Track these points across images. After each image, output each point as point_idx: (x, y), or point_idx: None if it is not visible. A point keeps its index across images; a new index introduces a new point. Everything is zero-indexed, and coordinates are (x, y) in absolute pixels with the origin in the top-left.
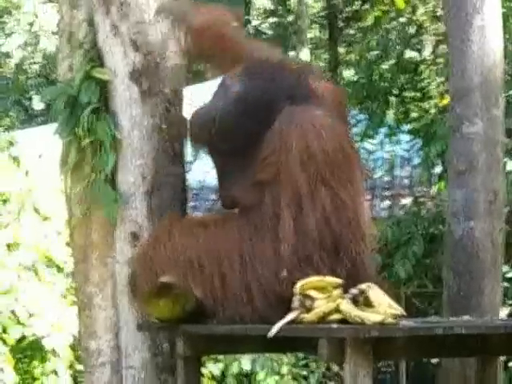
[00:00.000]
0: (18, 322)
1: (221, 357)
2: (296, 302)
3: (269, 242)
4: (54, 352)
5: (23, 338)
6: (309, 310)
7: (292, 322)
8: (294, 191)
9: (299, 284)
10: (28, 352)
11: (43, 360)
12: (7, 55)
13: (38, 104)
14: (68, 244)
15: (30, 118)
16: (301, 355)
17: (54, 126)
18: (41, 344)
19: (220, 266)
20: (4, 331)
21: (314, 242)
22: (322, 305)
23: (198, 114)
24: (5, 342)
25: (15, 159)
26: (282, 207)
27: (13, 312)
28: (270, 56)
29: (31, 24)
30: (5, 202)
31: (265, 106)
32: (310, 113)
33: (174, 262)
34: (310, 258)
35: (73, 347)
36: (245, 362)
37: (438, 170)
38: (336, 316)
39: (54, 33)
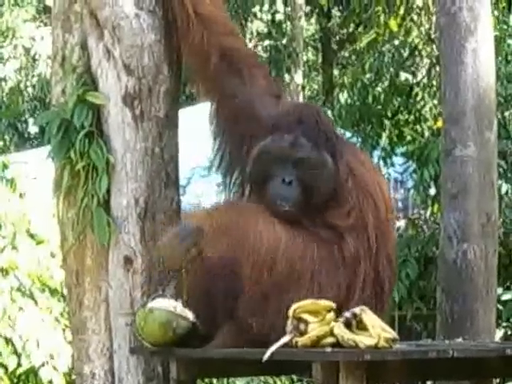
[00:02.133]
0: (15, 352)
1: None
2: (290, 326)
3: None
4: (50, 383)
5: (19, 366)
6: (302, 333)
7: (286, 345)
8: (370, 236)
9: (293, 307)
10: (24, 381)
11: None
12: (3, 79)
13: (33, 127)
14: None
15: (24, 141)
16: (295, 378)
17: (47, 148)
18: (36, 374)
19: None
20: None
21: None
22: (315, 328)
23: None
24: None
25: (10, 182)
26: (361, 253)
27: (7, 340)
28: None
29: (26, 48)
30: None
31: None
32: (361, 154)
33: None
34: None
35: (67, 373)
36: None
37: (432, 192)
38: (330, 339)
39: (49, 57)
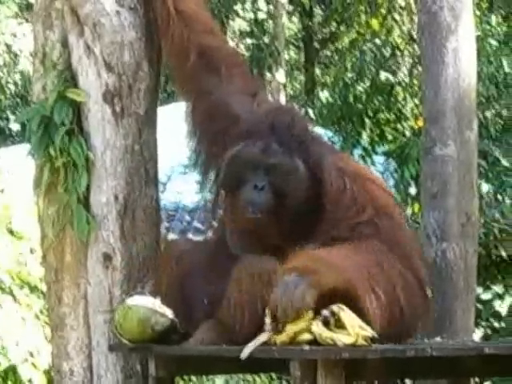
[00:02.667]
0: None
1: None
2: (268, 324)
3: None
4: (30, 382)
5: None
6: (280, 331)
7: (265, 343)
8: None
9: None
10: (3, 379)
11: None
12: None
13: (14, 124)
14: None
15: (6, 138)
16: (274, 375)
17: (29, 146)
18: (16, 372)
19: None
20: None
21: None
22: (293, 326)
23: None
24: None
25: None
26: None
27: None
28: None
29: (7, 45)
30: None
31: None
32: (349, 158)
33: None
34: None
35: (47, 371)
36: (218, 382)
37: (412, 191)
38: (307, 336)
39: (31, 54)
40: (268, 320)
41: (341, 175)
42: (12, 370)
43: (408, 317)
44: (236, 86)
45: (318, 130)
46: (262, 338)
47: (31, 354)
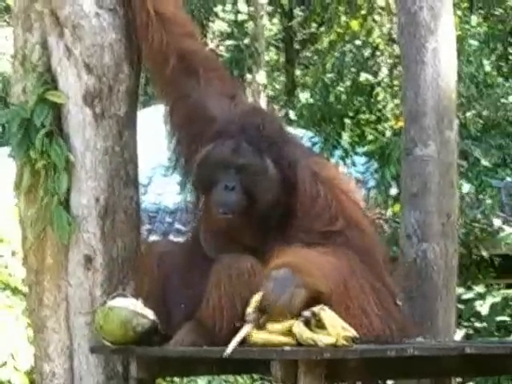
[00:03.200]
0: None
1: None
2: (250, 316)
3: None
4: (9, 383)
5: None
6: (260, 327)
7: (244, 342)
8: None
9: (254, 298)
10: None
11: None
12: None
13: None
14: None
15: None
16: (256, 376)
17: (8, 148)
18: None
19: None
20: None
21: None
22: (275, 325)
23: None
24: None
25: None
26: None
27: None
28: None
29: None
30: None
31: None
32: (324, 162)
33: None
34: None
35: (29, 372)
36: (201, 383)
37: (393, 192)
38: (286, 339)
39: (12, 56)
40: (250, 310)
41: (315, 181)
42: None
43: (378, 326)
44: (214, 89)
45: (299, 131)
46: (245, 330)
47: (12, 356)
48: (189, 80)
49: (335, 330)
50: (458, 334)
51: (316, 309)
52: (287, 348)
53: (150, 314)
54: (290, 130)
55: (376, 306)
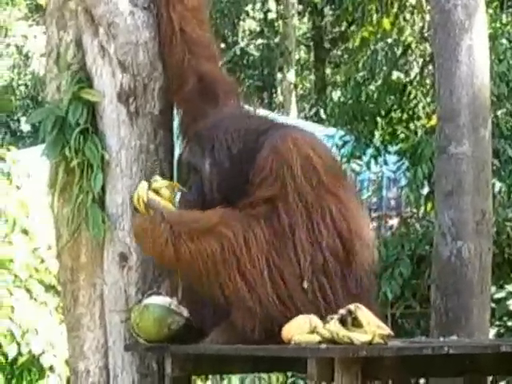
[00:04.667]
0: (14, 341)
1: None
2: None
3: (289, 252)
4: (51, 369)
5: (19, 355)
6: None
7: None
8: (303, 203)
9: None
10: (25, 369)
11: (41, 377)
12: None
13: (25, 126)
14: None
15: (17, 140)
16: (289, 374)
17: (41, 147)
18: (38, 361)
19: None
20: None
21: (327, 250)
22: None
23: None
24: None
25: (7, 175)
26: (295, 220)
27: (8, 331)
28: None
29: (18, 47)
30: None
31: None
32: (297, 131)
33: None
34: (324, 268)
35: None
36: (234, 380)
37: (425, 190)
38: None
39: (42, 55)
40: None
41: (270, 153)
42: (33, 359)
43: (265, 300)
44: (230, 110)
45: (330, 130)
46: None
47: (52, 345)
48: (208, 103)
49: (371, 327)
50: (491, 333)
51: (352, 307)
52: (323, 346)
53: (185, 312)
54: (321, 128)
55: (270, 279)
